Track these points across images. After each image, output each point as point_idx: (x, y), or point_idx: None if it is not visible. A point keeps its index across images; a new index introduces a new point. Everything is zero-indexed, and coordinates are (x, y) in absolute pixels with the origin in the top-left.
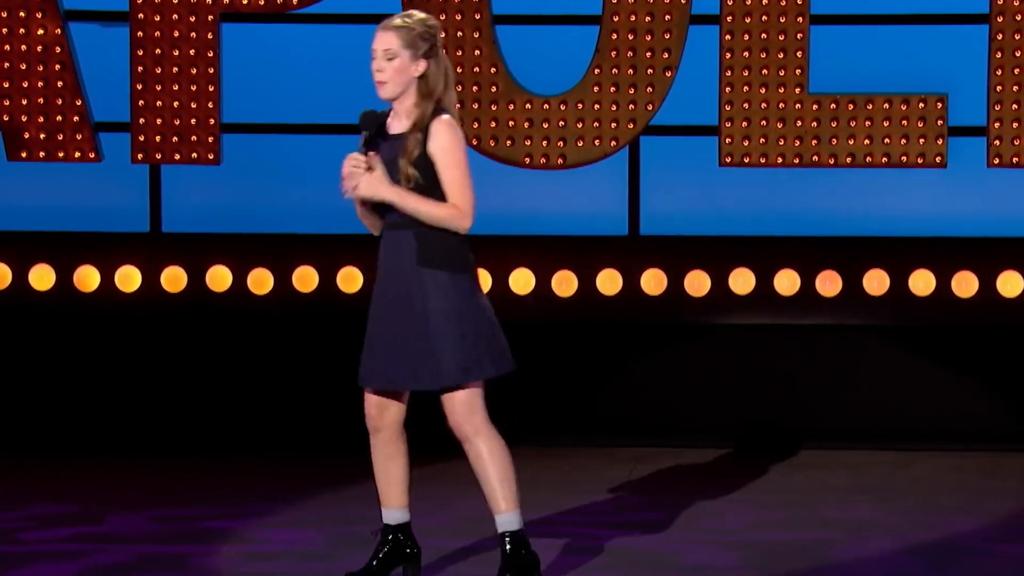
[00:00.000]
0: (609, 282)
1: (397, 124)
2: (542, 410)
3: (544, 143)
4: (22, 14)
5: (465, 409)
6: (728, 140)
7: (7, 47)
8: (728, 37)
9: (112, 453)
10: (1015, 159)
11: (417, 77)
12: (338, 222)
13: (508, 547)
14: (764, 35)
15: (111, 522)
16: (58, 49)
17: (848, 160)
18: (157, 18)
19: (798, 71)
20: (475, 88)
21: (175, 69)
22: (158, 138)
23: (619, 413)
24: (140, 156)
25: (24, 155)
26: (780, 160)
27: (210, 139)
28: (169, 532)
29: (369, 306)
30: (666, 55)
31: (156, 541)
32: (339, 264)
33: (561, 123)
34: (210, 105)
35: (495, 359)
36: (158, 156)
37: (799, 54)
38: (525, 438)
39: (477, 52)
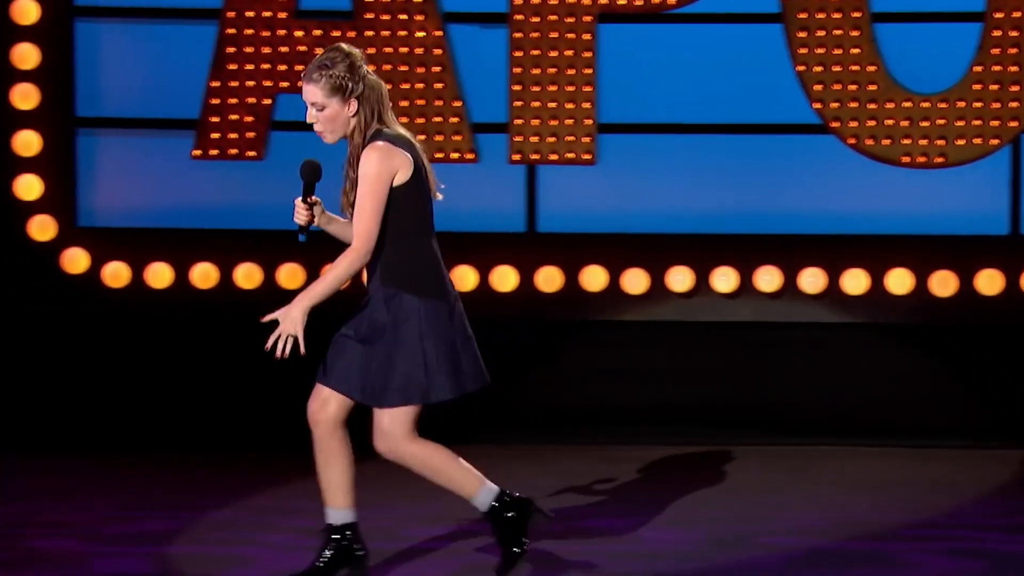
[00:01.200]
0: (988, 284)
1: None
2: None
3: (923, 142)
4: (403, 17)
5: (388, 432)
6: None
7: (388, 49)
8: None
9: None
10: None
11: (351, 115)
12: (714, 223)
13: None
14: None
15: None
16: (437, 51)
17: None
18: (535, 19)
19: None
20: (853, 87)
21: (552, 70)
22: (535, 138)
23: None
24: (517, 156)
25: None
26: None
27: (586, 139)
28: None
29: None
30: None
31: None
32: (712, 264)
33: (941, 121)
34: (587, 105)
35: (449, 383)
36: (535, 156)
37: None
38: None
39: (856, 51)
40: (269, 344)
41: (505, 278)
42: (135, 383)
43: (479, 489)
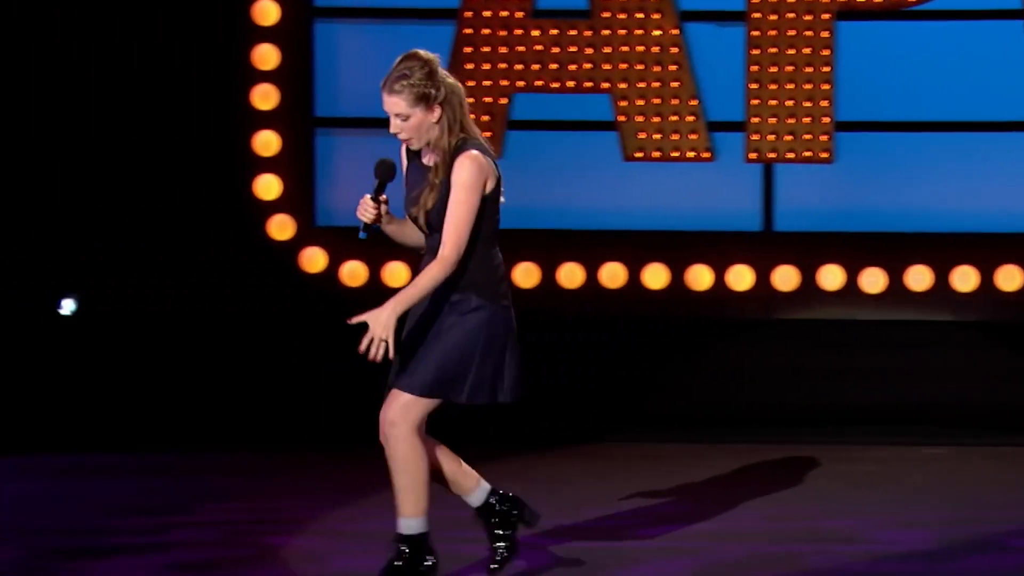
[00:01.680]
0: None
1: (429, 155)
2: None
3: None
4: (639, 15)
5: (398, 411)
6: None
7: (624, 48)
8: None
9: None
10: None
11: (435, 122)
12: (954, 222)
13: (402, 549)
14: None
15: (726, 519)
16: (674, 49)
17: None
18: (773, 17)
19: None
20: None
21: (790, 68)
22: (772, 137)
23: None
24: (754, 155)
25: (639, 155)
26: None
27: (824, 137)
28: (782, 531)
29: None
30: None
31: (768, 540)
32: (951, 263)
33: None
34: (824, 103)
35: (472, 389)
36: (771, 155)
37: None
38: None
39: None
40: (363, 347)
41: (741, 277)
42: (371, 381)
43: (417, 517)
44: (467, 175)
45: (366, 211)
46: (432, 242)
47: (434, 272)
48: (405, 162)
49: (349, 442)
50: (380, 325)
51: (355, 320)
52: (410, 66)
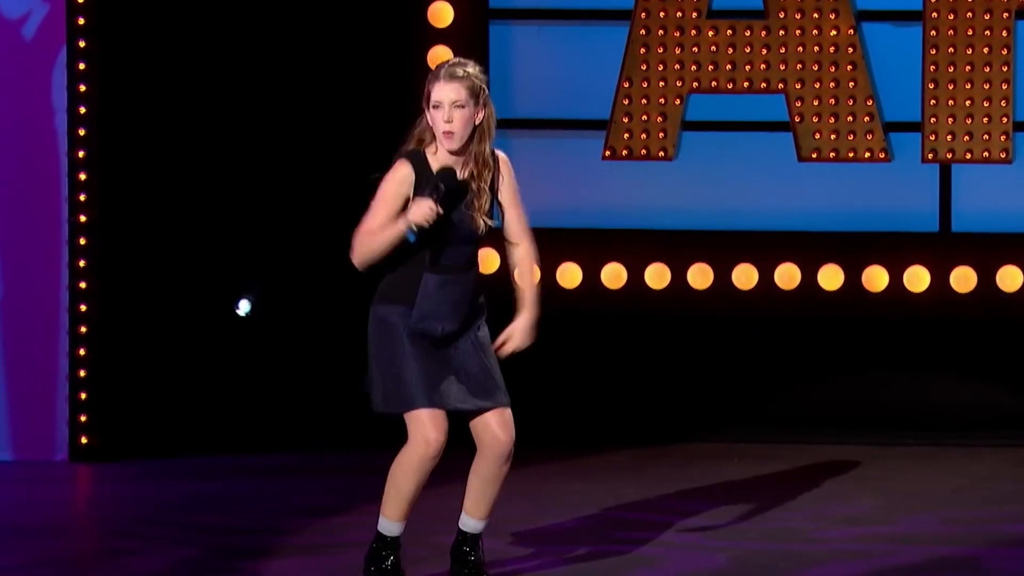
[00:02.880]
0: None
1: (460, 166)
2: None
3: None
4: (815, 15)
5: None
6: None
7: (800, 48)
8: None
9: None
10: None
11: (476, 124)
12: None
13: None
14: None
15: (904, 523)
16: (850, 49)
17: None
18: (951, 16)
19: None
20: None
21: (968, 67)
22: (949, 137)
23: None
24: (931, 155)
25: (815, 155)
26: None
27: (1002, 138)
28: (959, 535)
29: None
30: None
31: (948, 543)
32: None
33: None
34: (1003, 103)
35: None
36: (949, 155)
37: None
38: None
39: None
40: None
41: (918, 278)
42: (551, 380)
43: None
44: (513, 174)
45: (426, 215)
46: (461, 252)
47: (533, 265)
48: (413, 180)
49: (521, 441)
50: (524, 332)
51: (508, 350)
52: (467, 62)
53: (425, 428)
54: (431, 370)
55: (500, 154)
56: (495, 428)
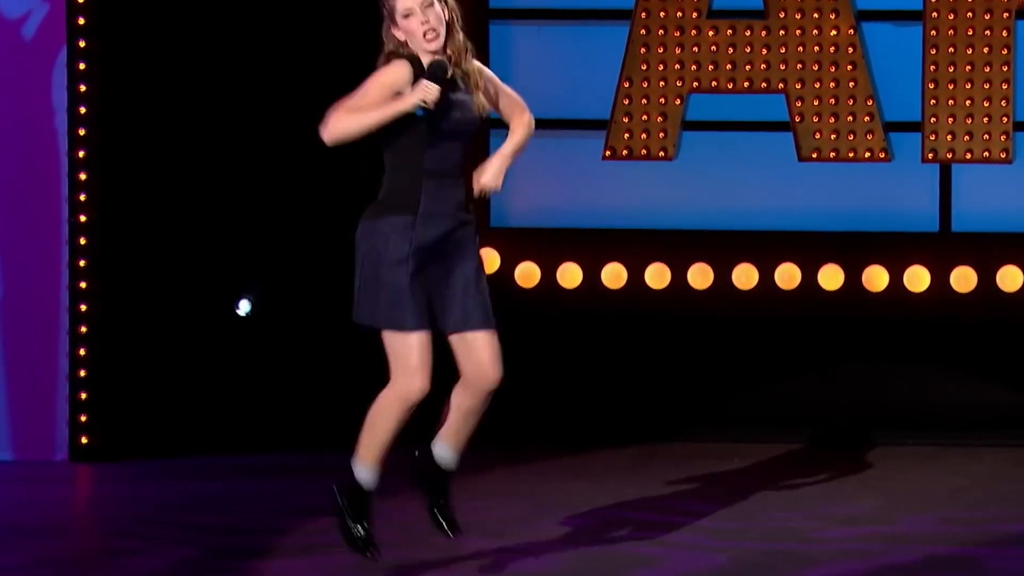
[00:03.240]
0: None
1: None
2: None
3: None
4: (815, 15)
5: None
6: None
7: (800, 48)
8: None
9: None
10: None
11: (447, 22)
12: None
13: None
14: None
15: (903, 522)
16: (851, 49)
17: None
18: (951, 16)
19: None
20: None
21: (968, 67)
22: (950, 137)
23: None
24: (931, 155)
25: (815, 155)
26: None
27: (1003, 137)
28: (958, 535)
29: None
30: None
31: (947, 543)
32: None
33: None
34: (1004, 103)
35: None
36: (949, 155)
37: None
38: None
39: None
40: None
41: (919, 278)
42: (551, 380)
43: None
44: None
45: (432, 93)
46: (454, 154)
47: (527, 121)
48: (411, 81)
49: (522, 441)
50: (494, 172)
51: (482, 188)
52: None
53: (410, 372)
54: (423, 293)
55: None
56: (485, 361)
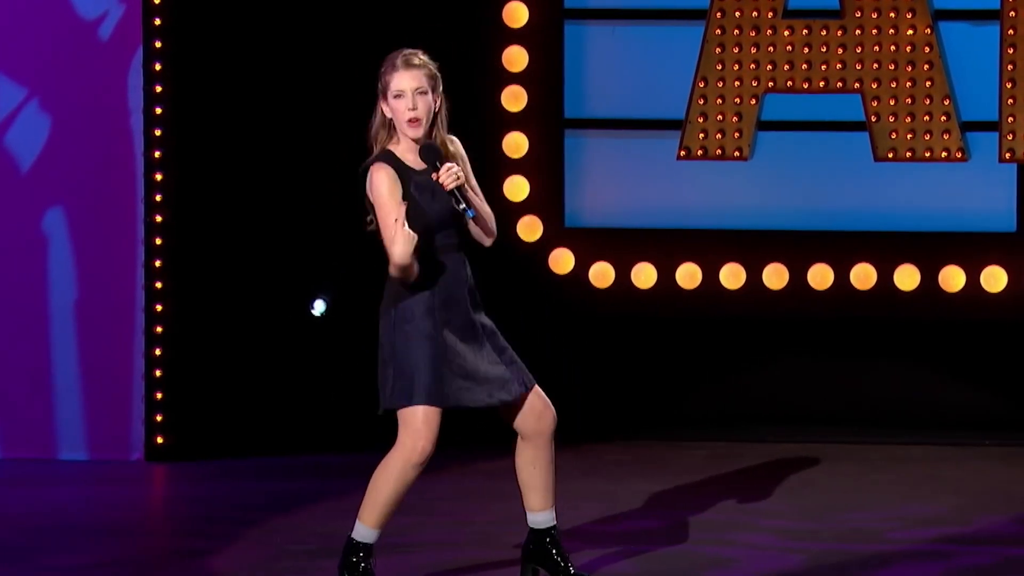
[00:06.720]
0: None
1: (413, 160)
2: None
3: None
4: (892, 15)
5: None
6: None
7: (876, 47)
8: None
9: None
10: None
11: (435, 112)
12: None
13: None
14: None
15: (977, 523)
16: (927, 48)
17: None
18: None
19: None
20: None
21: None
22: None
23: None
24: (1008, 155)
25: (891, 155)
26: None
27: None
28: None
29: (429, 329)
30: None
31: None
32: None
33: None
34: None
35: None
36: None
37: None
38: None
39: None
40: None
41: (996, 278)
42: (625, 380)
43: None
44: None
45: (452, 178)
46: (451, 232)
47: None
48: (393, 176)
49: (595, 441)
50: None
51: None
52: (417, 51)
53: (417, 433)
54: (446, 368)
55: (453, 138)
56: (540, 408)
